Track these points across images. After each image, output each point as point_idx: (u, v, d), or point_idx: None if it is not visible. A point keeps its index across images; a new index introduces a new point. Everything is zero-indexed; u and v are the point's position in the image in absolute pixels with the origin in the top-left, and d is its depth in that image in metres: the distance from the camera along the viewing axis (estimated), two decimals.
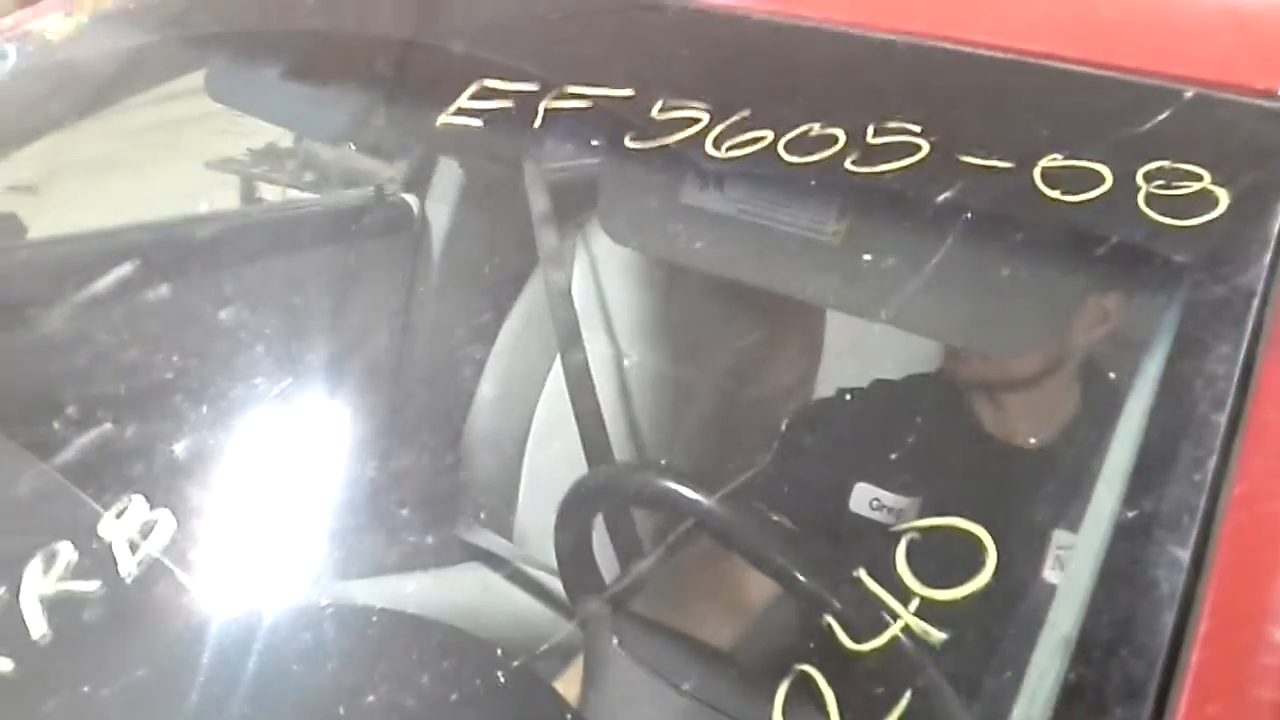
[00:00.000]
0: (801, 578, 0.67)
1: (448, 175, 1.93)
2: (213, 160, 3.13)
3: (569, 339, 1.41)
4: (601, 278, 1.81)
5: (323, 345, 1.66)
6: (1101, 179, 0.73)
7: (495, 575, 1.59)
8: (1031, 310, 0.83)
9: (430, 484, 1.70)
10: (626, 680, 0.91)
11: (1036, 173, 0.75)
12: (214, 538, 0.80)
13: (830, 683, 0.56)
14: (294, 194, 2.60)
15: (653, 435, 1.73)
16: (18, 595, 0.64)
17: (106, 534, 0.68)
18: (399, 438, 1.64)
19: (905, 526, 0.59)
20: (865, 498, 1.18)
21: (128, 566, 0.65)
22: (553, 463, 1.63)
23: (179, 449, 0.89)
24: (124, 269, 1.46)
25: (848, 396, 1.26)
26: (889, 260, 0.88)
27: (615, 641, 0.94)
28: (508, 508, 1.66)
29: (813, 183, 0.85)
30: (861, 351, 1.38)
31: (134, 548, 0.65)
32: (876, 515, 1.18)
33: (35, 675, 0.61)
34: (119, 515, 0.68)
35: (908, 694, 0.55)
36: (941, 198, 0.76)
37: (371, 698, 0.69)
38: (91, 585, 0.65)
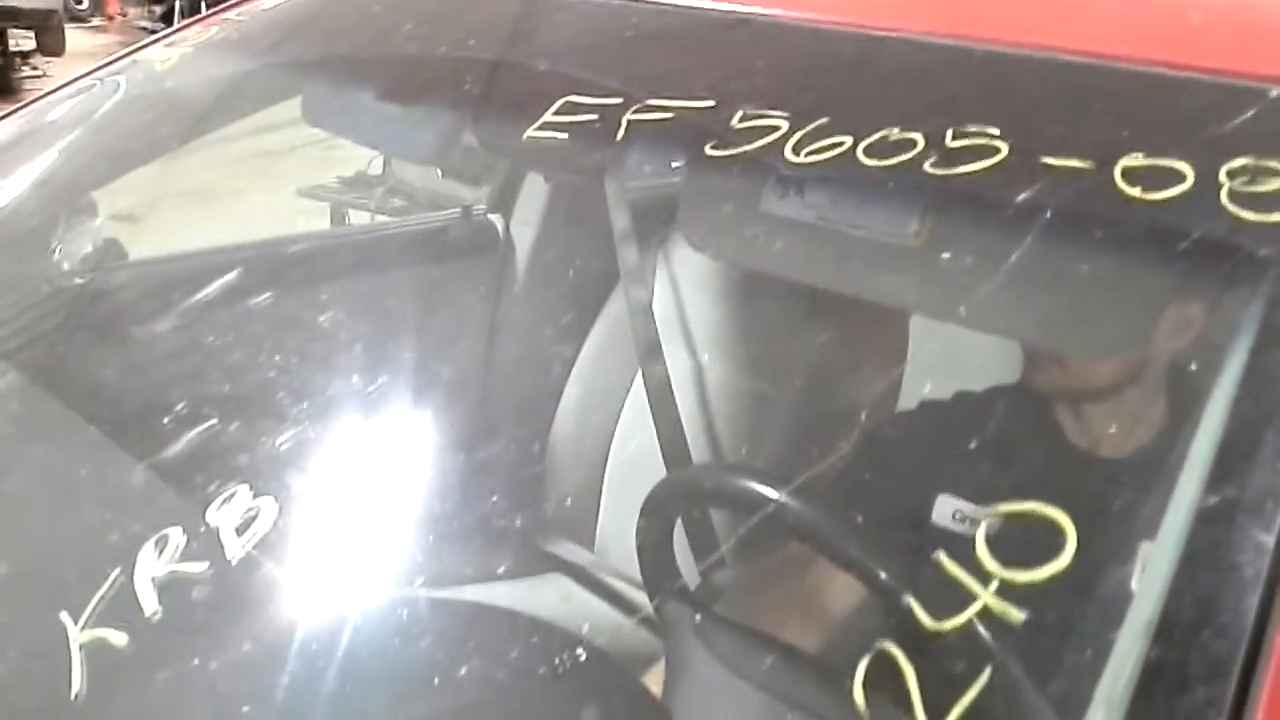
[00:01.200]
0: (881, 563, 0.68)
1: (532, 196, 1.97)
2: (304, 188, 3.22)
3: (650, 353, 1.43)
4: (682, 292, 1.83)
5: (411, 359, 1.70)
6: (1183, 177, 0.72)
7: (576, 585, 1.61)
8: (1113, 309, 0.82)
9: (513, 495, 1.72)
10: (709, 679, 0.91)
11: (1117, 172, 0.75)
12: (307, 532, 0.83)
13: (910, 660, 0.57)
14: (383, 218, 2.67)
15: (733, 448, 1.73)
16: (132, 576, 0.67)
17: (213, 521, 0.71)
18: (483, 450, 1.67)
19: (985, 513, 0.59)
20: (948, 509, 1.17)
21: (233, 550, 0.68)
22: (634, 475, 1.65)
23: (278, 447, 0.92)
24: (225, 283, 1.52)
25: (929, 408, 1.26)
26: (969, 262, 0.88)
27: (698, 641, 0.95)
28: (589, 519, 1.68)
29: (892, 186, 0.86)
30: (943, 364, 1.38)
31: (239, 532, 0.68)
32: (959, 527, 1.17)
33: (147, 650, 0.64)
34: (224, 503, 0.71)
35: (987, 671, 0.55)
36: (1021, 197, 0.76)
37: (459, 686, 0.71)
38: (199, 567, 0.69)
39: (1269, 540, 0.51)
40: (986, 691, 0.55)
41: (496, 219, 1.97)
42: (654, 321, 1.59)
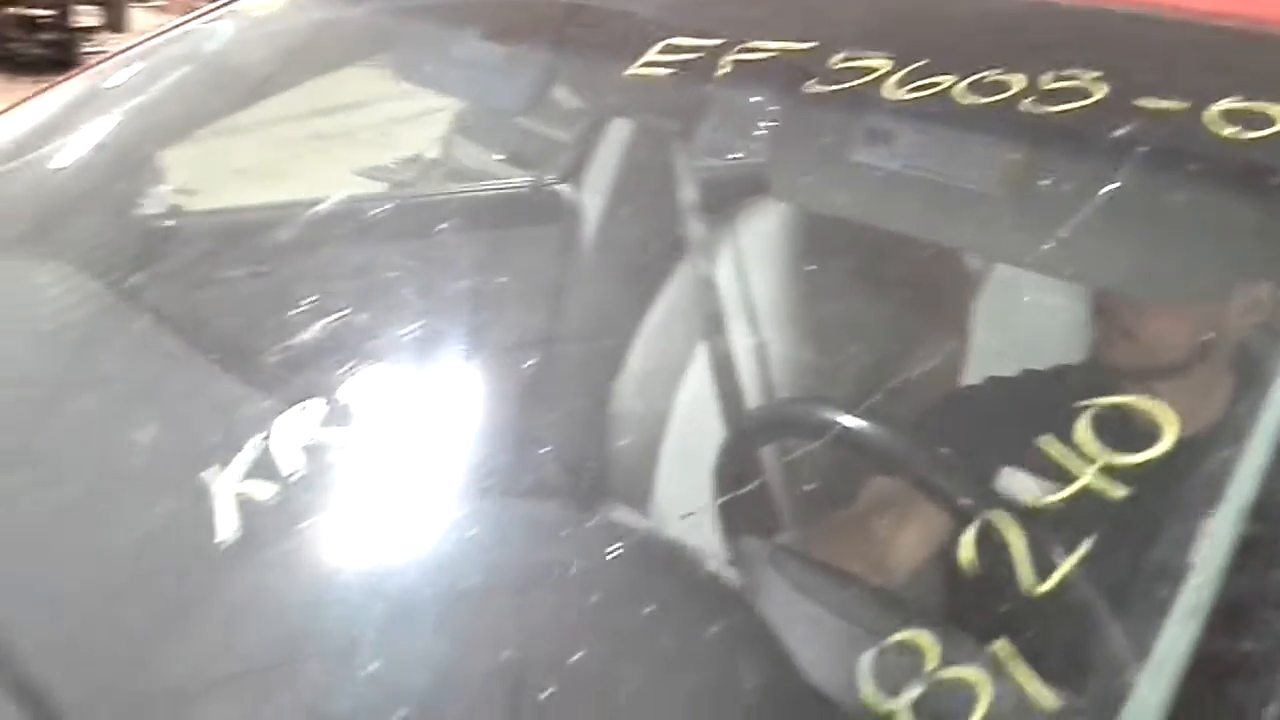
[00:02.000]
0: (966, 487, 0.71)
1: (601, 168, 2.03)
2: (362, 169, 3.31)
3: (713, 325, 1.48)
4: (747, 266, 1.87)
5: (476, 319, 1.75)
6: (1273, 120, 0.77)
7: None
8: (1202, 250, 0.86)
9: (571, 462, 1.76)
10: (788, 613, 0.95)
11: (1209, 113, 0.79)
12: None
13: (1016, 527, 0.61)
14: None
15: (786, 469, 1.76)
16: (270, 441, 0.73)
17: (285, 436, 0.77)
18: (542, 415, 1.72)
19: (1085, 404, 0.64)
20: (1011, 483, 1.20)
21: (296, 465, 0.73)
22: (693, 446, 1.69)
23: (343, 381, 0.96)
24: (295, 233, 1.58)
25: (997, 383, 1.28)
26: (1058, 206, 0.92)
27: (776, 573, 0.99)
28: (647, 487, 1.72)
29: (985, 126, 0.90)
30: (1009, 343, 1.41)
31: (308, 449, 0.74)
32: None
33: (287, 504, 0.69)
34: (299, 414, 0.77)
35: (1090, 541, 0.60)
36: (1114, 135, 0.80)
37: (534, 602, 0.75)
38: (334, 434, 0.75)
39: None
40: (1089, 558, 0.59)
41: (565, 188, 2.03)
42: (719, 294, 1.64)
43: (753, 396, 1.57)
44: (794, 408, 1.12)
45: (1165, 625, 0.55)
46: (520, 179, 2.03)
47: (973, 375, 1.62)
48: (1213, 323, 1.04)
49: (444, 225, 1.70)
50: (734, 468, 1.09)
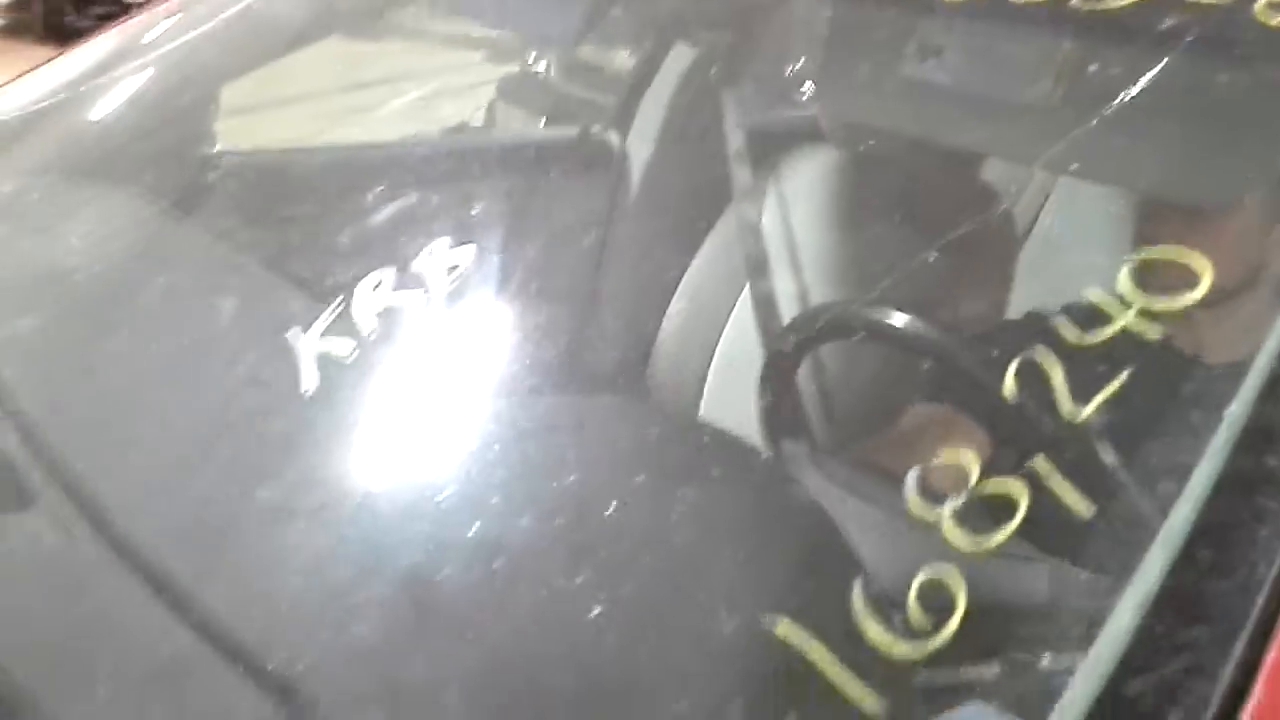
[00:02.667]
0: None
1: (648, 116, 2.08)
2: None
3: (757, 270, 1.52)
4: (791, 213, 1.92)
5: (523, 261, 1.81)
6: None
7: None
8: (1247, 149, 0.90)
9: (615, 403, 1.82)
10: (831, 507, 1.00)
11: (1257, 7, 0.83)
12: None
13: (1057, 361, 0.66)
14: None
15: (833, 363, 1.82)
16: (350, 304, 0.79)
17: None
18: (586, 360, 1.78)
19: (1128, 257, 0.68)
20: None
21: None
22: (734, 389, 1.74)
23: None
24: (355, 174, 1.65)
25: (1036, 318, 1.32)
26: (1108, 107, 0.96)
27: (819, 472, 1.04)
28: (689, 431, 1.77)
29: (1034, 31, 0.94)
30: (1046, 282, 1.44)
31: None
32: None
33: (365, 360, 0.76)
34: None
35: (1126, 375, 0.65)
36: (1165, 27, 0.84)
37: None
38: (410, 298, 0.81)
39: None
40: (1125, 389, 0.64)
41: (614, 135, 2.08)
42: (763, 240, 1.68)
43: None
44: (838, 307, 1.17)
45: (1199, 449, 0.60)
46: (570, 128, 2.09)
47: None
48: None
49: (498, 166, 1.76)
50: (779, 374, 1.14)
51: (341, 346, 0.79)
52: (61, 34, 6.71)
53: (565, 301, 1.79)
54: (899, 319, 0.93)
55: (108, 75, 1.51)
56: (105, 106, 1.45)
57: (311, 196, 1.47)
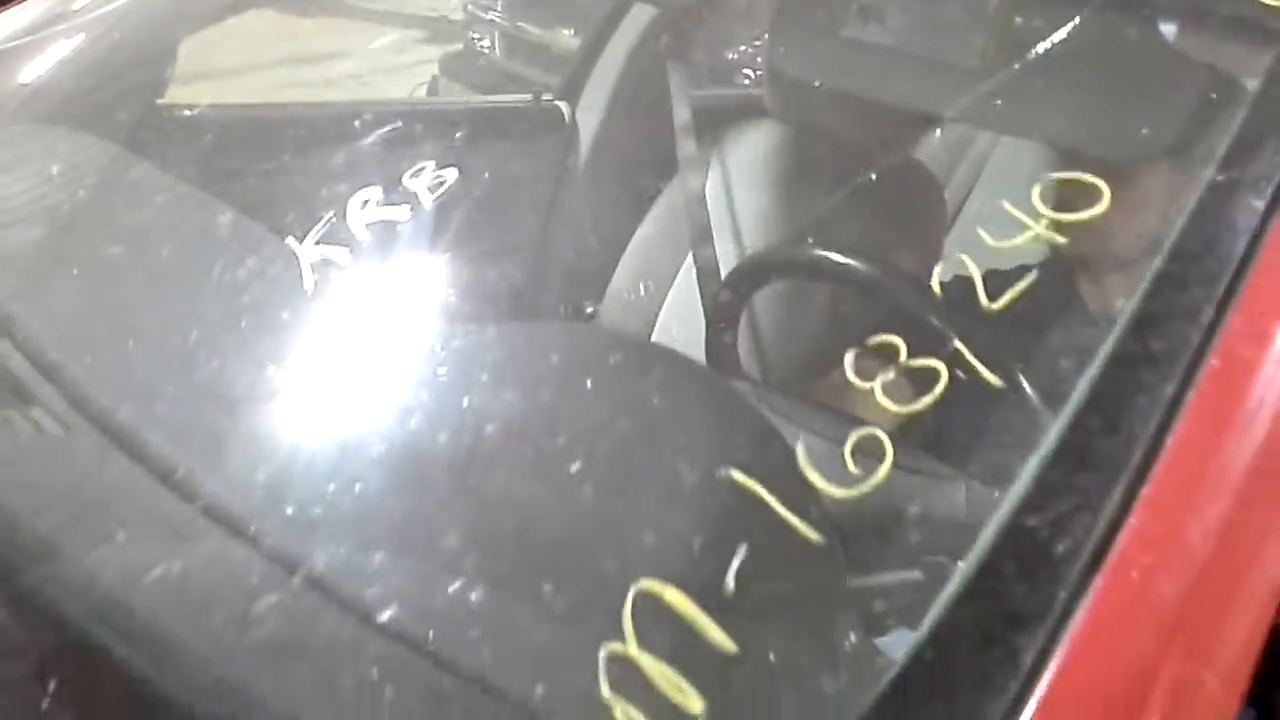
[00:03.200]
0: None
1: (598, 85, 2.18)
2: None
3: (701, 237, 1.63)
4: (733, 182, 2.03)
5: (471, 225, 1.91)
6: None
7: None
8: (1145, 93, 1.02)
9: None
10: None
11: None
12: None
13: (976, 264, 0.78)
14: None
15: (771, 328, 1.93)
16: (345, 216, 0.88)
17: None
18: (532, 319, 1.87)
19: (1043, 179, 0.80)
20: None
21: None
22: (677, 337, 1.85)
23: None
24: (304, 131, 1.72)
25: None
26: (1026, 63, 1.08)
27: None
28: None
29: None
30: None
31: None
32: None
33: (360, 263, 0.85)
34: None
35: (1033, 274, 0.77)
36: None
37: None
38: (399, 212, 0.91)
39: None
40: (1034, 286, 0.76)
41: (564, 105, 2.18)
42: (706, 208, 1.79)
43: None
44: (770, 250, 1.28)
45: (1092, 334, 0.71)
46: (521, 95, 2.18)
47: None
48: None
49: (454, 130, 1.85)
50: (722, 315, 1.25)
51: (335, 253, 0.88)
52: None
53: (521, 251, 1.89)
54: (831, 251, 1.04)
55: (38, 35, 1.57)
56: (44, 64, 1.51)
57: (274, 146, 1.56)
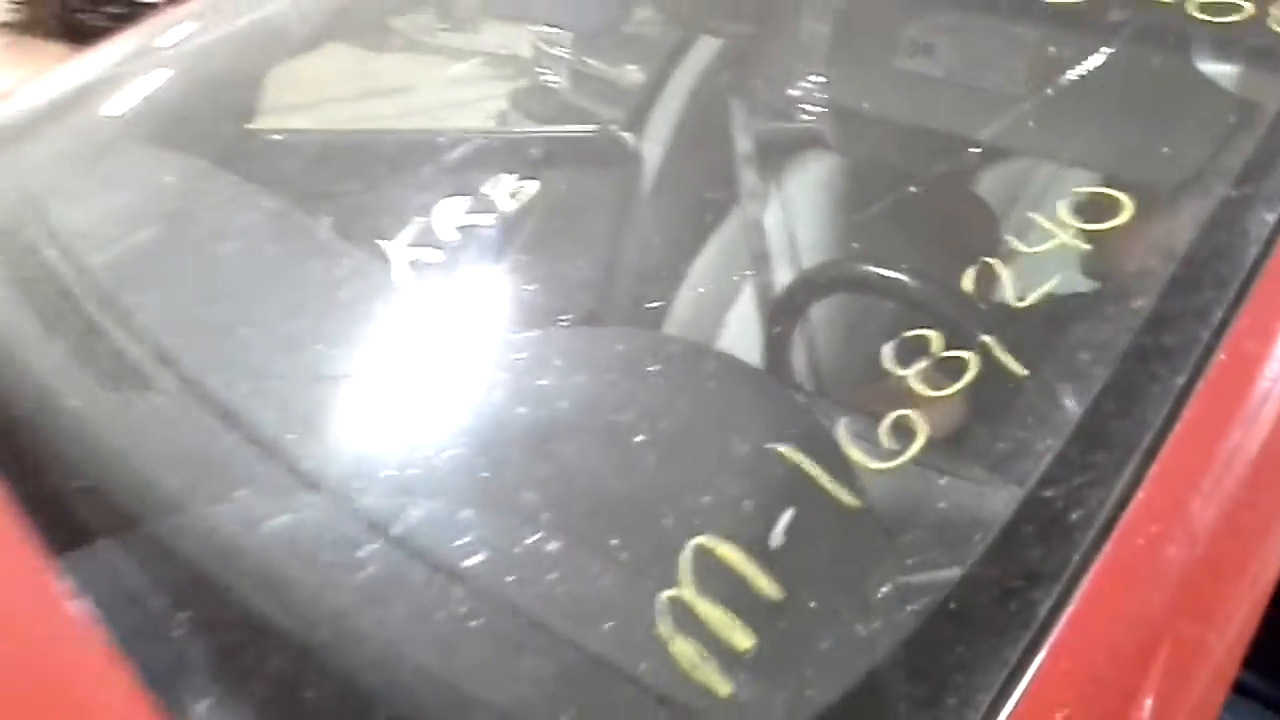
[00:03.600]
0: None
1: (662, 117, 2.30)
2: None
3: (760, 263, 1.73)
4: (792, 213, 2.13)
5: (538, 252, 2.02)
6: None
7: None
8: (1170, 119, 1.11)
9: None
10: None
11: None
12: None
13: (1005, 267, 0.87)
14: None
15: (831, 357, 2.02)
16: (431, 221, 1.00)
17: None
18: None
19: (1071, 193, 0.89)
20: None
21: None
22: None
23: None
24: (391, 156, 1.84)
25: None
26: (1059, 91, 1.17)
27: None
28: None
29: (1009, 26, 1.16)
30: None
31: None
32: None
33: (448, 263, 0.96)
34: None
35: (1058, 276, 0.86)
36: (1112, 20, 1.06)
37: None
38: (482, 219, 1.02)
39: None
40: (1058, 286, 0.85)
41: (629, 136, 2.30)
42: (766, 236, 1.89)
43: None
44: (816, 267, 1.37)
45: (1111, 330, 0.80)
46: (588, 126, 2.30)
47: None
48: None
49: (527, 152, 1.97)
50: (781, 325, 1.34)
51: (424, 255, 0.99)
52: (74, 31, 6.96)
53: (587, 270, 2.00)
54: (877, 265, 1.13)
55: (128, 70, 1.71)
56: (140, 93, 1.65)
57: (358, 166, 1.68)
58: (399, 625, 0.72)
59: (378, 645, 0.72)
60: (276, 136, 1.80)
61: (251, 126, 1.80)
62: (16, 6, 7.27)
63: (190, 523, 0.79)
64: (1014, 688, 0.65)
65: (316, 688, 0.71)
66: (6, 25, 7.34)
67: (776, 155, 2.08)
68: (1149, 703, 0.66)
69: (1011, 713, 0.64)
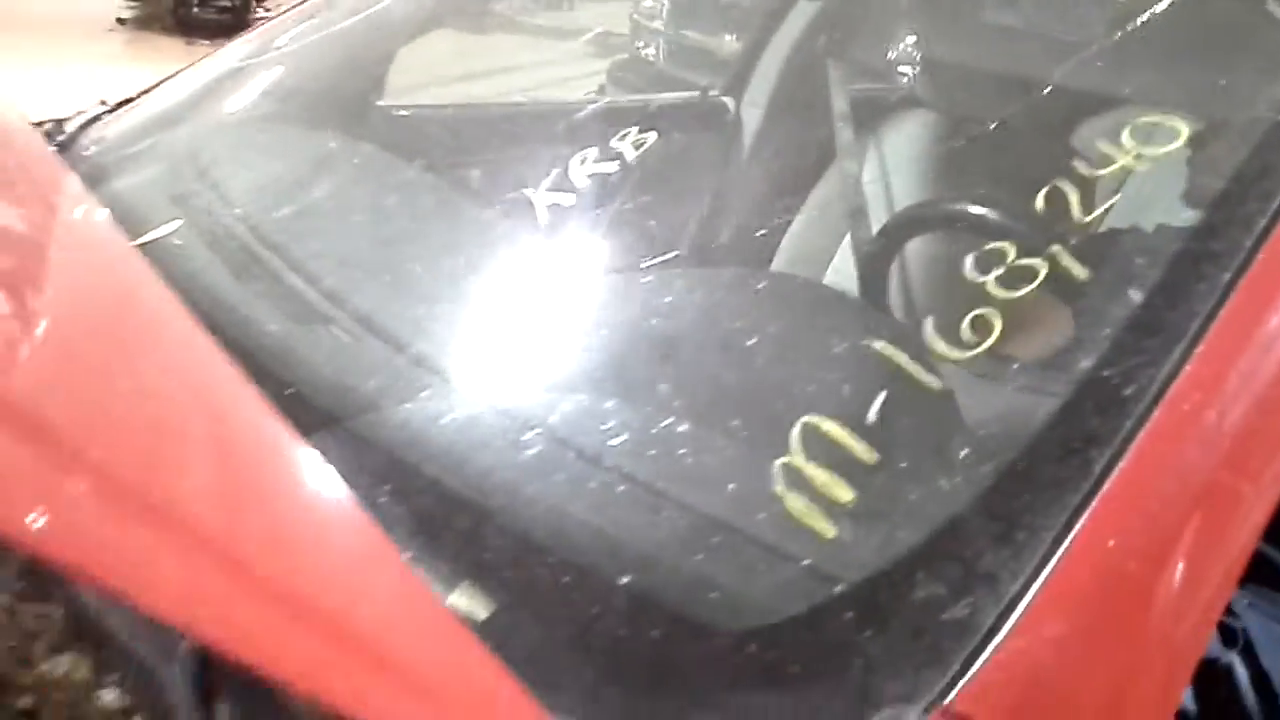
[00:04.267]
0: None
1: (761, 83, 2.46)
2: None
3: (858, 219, 1.87)
4: (888, 169, 2.27)
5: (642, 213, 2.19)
6: None
7: None
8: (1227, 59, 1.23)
9: None
10: None
11: None
12: None
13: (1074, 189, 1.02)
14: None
15: (925, 303, 2.15)
16: (567, 171, 1.18)
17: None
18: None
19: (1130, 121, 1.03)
20: None
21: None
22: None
23: None
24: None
25: None
26: (1143, 38, 1.29)
27: None
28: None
29: None
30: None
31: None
32: None
33: (580, 205, 1.14)
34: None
35: (1122, 194, 1.00)
36: None
37: None
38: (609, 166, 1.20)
39: None
40: (1121, 203, 0.99)
41: (729, 100, 2.46)
42: (863, 192, 2.03)
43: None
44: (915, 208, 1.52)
45: (1166, 238, 0.95)
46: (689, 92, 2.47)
47: None
48: None
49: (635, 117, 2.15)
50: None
51: (562, 198, 1.18)
52: (188, 25, 7.39)
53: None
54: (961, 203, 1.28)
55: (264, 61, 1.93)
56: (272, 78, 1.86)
57: (481, 135, 1.88)
58: (564, 493, 0.90)
59: (545, 511, 0.90)
60: (404, 113, 2.01)
61: (378, 104, 2.01)
62: (133, 5, 7.71)
63: (383, 418, 0.99)
64: (1074, 524, 0.81)
65: (495, 544, 0.90)
66: (124, 21, 7.79)
67: (871, 113, 2.23)
68: (1189, 537, 0.81)
69: (1071, 542, 0.80)
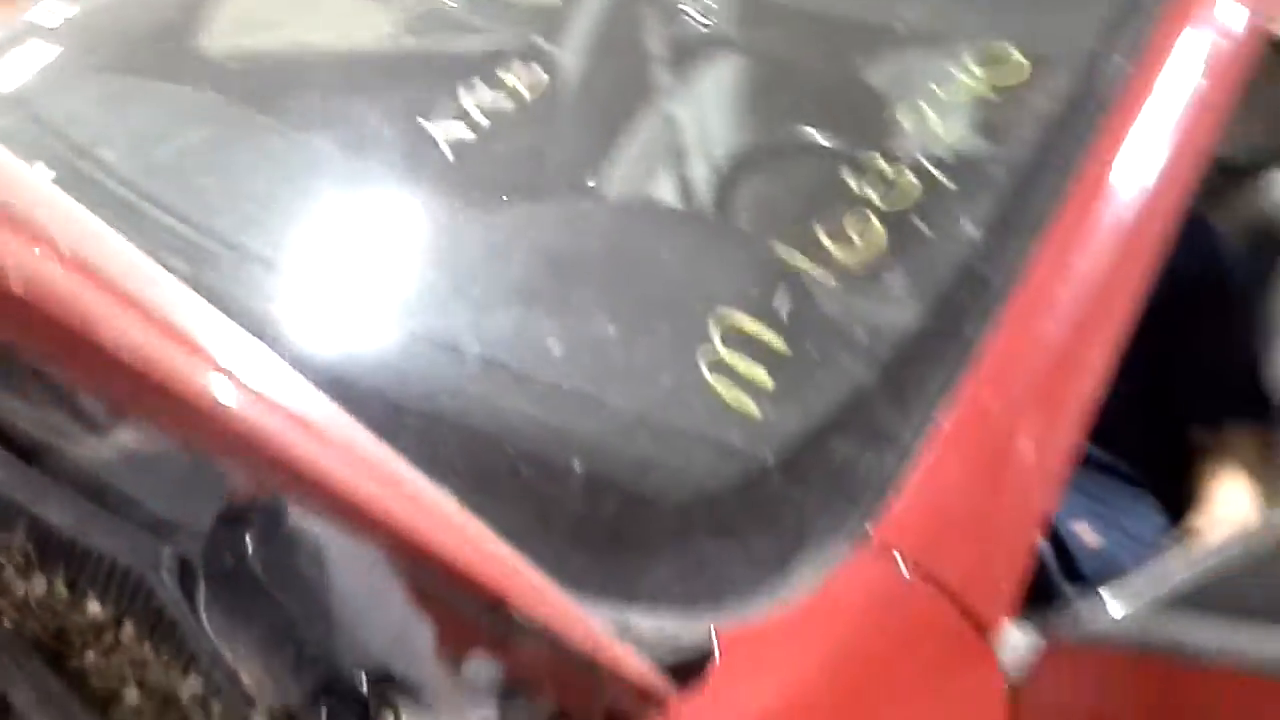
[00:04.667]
0: None
1: (576, 31, 2.56)
2: None
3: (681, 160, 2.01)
4: (705, 106, 2.41)
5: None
6: None
7: None
8: None
9: None
10: None
11: None
12: None
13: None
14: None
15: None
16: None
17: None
18: None
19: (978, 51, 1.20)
20: None
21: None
22: None
23: None
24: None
25: None
26: None
27: None
28: None
29: None
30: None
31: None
32: None
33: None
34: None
35: (974, 114, 1.17)
36: None
37: None
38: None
39: None
40: (974, 120, 1.16)
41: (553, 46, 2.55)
42: (682, 130, 2.17)
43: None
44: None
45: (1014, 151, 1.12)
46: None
47: None
48: None
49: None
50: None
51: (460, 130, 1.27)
52: None
53: None
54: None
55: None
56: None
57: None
58: (511, 404, 1.00)
59: (510, 418, 1.00)
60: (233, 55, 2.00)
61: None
62: None
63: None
64: (954, 381, 0.97)
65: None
66: None
67: (687, 57, 2.36)
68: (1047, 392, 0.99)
69: (955, 395, 0.96)
